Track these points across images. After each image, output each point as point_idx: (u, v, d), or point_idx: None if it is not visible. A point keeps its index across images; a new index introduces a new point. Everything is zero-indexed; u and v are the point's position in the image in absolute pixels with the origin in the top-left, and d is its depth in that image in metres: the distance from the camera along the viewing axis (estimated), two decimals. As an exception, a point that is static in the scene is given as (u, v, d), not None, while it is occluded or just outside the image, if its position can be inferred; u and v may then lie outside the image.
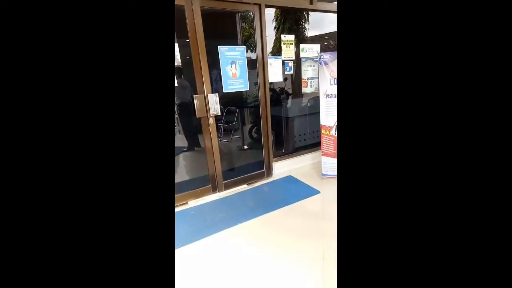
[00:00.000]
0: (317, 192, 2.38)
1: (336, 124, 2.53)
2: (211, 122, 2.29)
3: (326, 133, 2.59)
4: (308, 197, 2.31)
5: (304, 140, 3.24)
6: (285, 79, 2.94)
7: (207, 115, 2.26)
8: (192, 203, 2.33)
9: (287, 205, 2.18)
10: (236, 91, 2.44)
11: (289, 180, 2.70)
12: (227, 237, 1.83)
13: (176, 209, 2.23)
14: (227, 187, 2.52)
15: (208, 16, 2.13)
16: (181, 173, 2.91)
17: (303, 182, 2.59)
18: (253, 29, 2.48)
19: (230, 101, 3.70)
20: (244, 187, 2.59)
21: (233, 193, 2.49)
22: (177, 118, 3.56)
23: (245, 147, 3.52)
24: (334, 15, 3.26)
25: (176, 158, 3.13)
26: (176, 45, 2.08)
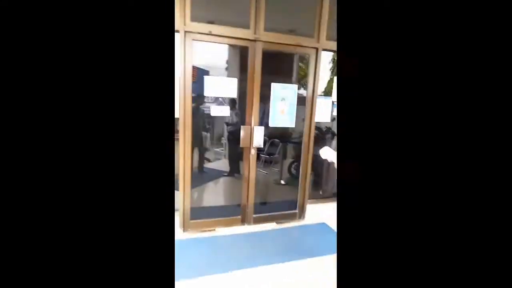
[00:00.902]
0: (354, 249, 2.08)
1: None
2: (253, 153, 2.30)
3: (372, 184, 2.32)
4: (342, 253, 2.03)
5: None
6: (333, 119, 2.84)
7: (250, 146, 2.28)
8: (220, 231, 2.28)
9: (315, 256, 1.95)
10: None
11: (322, 228, 2.44)
12: (247, 277, 1.69)
13: (203, 235, 2.20)
14: (256, 221, 2.41)
15: (268, 54, 2.25)
16: (217, 197, 2.93)
17: (338, 234, 2.31)
18: (308, 71, 2.51)
19: (275, 133, 3.71)
20: (273, 226, 2.44)
21: (261, 229, 2.36)
22: (225, 143, 3.72)
23: (282, 182, 3.40)
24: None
25: (215, 181, 3.19)
26: (236, 79, 2.24)
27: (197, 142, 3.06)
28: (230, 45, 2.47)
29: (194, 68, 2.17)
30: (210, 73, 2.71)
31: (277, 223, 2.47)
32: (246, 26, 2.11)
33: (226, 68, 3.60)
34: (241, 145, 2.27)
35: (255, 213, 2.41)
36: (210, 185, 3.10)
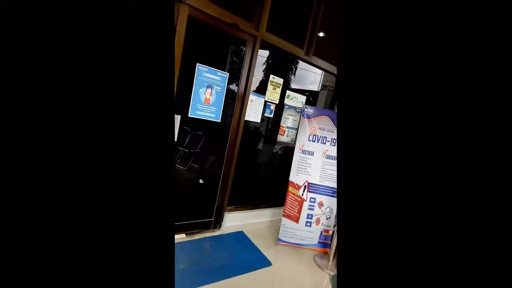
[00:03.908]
0: (268, 263, 1.79)
1: (305, 185, 2.08)
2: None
3: (293, 191, 2.12)
4: (255, 269, 1.70)
5: (267, 191, 2.72)
6: (262, 120, 2.52)
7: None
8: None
9: (226, 277, 1.54)
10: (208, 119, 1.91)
11: (239, 238, 2.07)
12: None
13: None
14: (158, 234, 1.79)
15: (198, 33, 1.68)
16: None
17: (254, 245, 1.99)
18: (243, 62, 2.08)
19: (199, 125, 3.13)
20: (181, 238, 1.88)
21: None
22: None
23: (201, 181, 2.85)
24: (317, 76, 3.14)
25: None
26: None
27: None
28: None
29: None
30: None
31: (187, 234, 1.93)
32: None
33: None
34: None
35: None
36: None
